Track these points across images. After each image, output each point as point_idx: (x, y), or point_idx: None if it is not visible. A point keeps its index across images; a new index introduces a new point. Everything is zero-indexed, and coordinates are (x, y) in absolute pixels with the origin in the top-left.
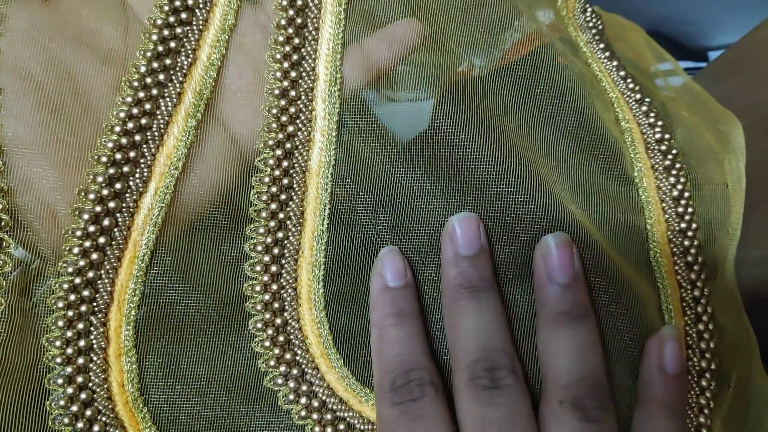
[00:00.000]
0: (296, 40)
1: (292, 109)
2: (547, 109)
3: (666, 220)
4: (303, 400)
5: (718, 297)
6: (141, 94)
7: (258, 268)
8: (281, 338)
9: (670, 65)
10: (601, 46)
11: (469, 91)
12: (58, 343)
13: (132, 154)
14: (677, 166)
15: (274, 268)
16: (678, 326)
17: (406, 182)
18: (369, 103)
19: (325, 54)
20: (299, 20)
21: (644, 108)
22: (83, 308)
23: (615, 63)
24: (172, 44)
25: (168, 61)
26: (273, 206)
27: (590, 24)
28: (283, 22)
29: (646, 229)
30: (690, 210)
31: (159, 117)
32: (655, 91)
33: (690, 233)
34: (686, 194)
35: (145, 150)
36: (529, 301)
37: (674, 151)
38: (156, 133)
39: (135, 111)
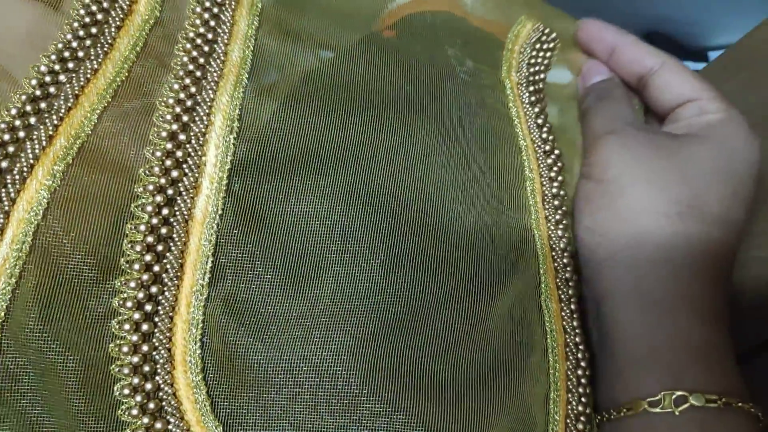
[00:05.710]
0: (192, 89)
1: (180, 153)
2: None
3: (555, 267)
4: None
5: None
6: (6, 137)
7: (127, 326)
8: (152, 405)
9: None
10: (531, 89)
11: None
12: None
13: None
14: (564, 222)
15: (145, 327)
16: None
17: (305, 237)
18: (264, 153)
19: (224, 104)
20: (198, 73)
21: (549, 161)
22: None
23: (536, 110)
24: (52, 89)
25: (43, 105)
26: (148, 258)
27: (529, 62)
28: (181, 72)
29: (539, 273)
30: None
31: (23, 159)
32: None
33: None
34: (569, 248)
35: (3, 194)
36: None
37: (564, 209)
38: (17, 177)
39: None
